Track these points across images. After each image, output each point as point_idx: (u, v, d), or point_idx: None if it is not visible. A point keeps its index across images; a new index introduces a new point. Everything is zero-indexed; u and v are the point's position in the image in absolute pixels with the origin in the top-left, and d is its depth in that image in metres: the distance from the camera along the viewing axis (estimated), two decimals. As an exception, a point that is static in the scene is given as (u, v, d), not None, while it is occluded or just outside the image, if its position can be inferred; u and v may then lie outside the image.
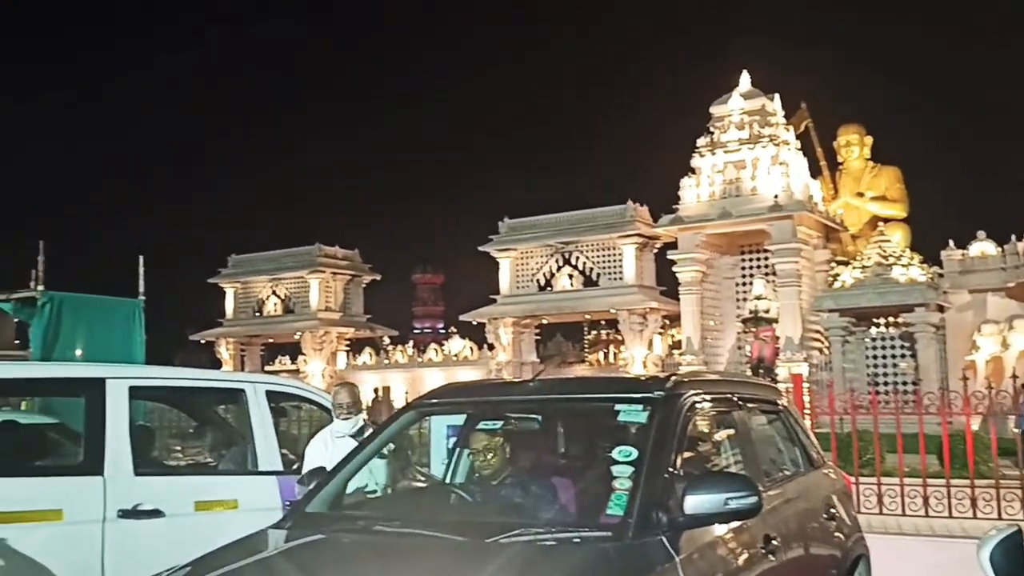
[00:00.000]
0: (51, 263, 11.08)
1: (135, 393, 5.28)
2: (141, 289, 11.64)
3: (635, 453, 3.78)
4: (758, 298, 28.92)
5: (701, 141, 31.65)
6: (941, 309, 26.75)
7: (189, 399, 6.70)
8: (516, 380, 5.81)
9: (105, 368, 5.60)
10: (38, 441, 5.84)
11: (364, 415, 6.02)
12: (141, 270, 11.72)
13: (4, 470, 4.80)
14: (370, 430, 5.56)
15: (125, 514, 4.82)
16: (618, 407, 4.19)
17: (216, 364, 43.27)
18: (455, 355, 41.63)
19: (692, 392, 4.30)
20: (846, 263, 29.71)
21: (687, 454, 4.22)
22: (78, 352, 10.29)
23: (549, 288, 37.61)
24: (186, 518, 5.12)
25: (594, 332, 49.32)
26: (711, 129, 31.78)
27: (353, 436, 5.65)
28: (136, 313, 11.27)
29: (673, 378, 4.39)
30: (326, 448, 5.68)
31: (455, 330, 46.00)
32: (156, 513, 4.96)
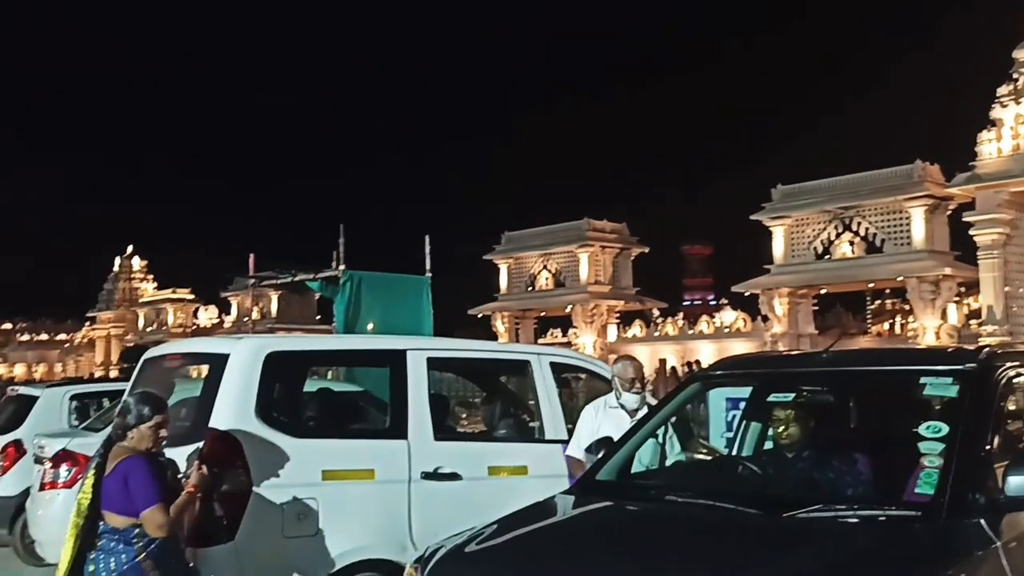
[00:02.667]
0: (350, 245, 11.99)
1: (432, 364, 5.61)
2: (428, 266, 12.35)
3: (945, 429, 3.53)
4: (1074, 261, 25.81)
5: (1002, 89, 28.64)
6: None
7: (479, 370, 7.04)
8: (807, 352, 5.56)
9: (406, 340, 6.00)
10: (350, 407, 6.39)
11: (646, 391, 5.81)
12: (427, 248, 12.44)
13: (326, 432, 5.32)
14: (646, 408, 5.45)
15: (427, 476, 5.16)
16: (923, 380, 3.93)
17: (492, 337, 45.24)
18: (727, 327, 40.80)
19: (1009, 365, 3.94)
20: None
21: (1004, 432, 3.89)
22: (369, 326, 11.04)
23: (827, 256, 35.78)
24: (481, 482, 5.39)
25: (877, 302, 46.46)
26: (1014, 75, 28.65)
27: (633, 411, 5.52)
28: (424, 289, 11.97)
29: (986, 350, 4.05)
30: (595, 416, 5.63)
31: (726, 301, 45.10)
32: (454, 476, 5.26)
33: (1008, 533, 3.24)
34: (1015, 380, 3.98)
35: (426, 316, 11.87)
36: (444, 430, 5.72)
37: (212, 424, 4.60)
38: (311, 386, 6.34)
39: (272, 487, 4.60)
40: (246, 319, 46.60)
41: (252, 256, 13.34)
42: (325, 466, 4.84)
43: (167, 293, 66.00)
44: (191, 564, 4.19)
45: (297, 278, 12.71)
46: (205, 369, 5.29)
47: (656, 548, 3.25)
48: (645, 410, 5.37)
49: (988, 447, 3.52)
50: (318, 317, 53.85)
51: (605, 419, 5.45)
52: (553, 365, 6.22)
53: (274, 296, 55.64)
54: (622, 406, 5.52)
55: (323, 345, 6.40)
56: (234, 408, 4.65)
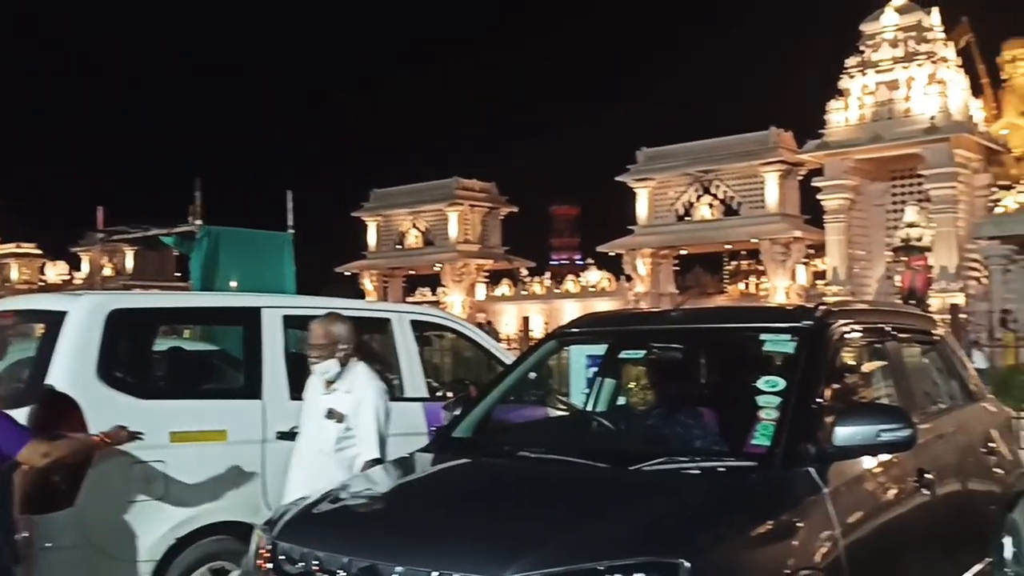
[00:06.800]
0: (206, 198, 11.57)
1: (289, 322, 5.49)
2: (290, 222, 12.05)
3: (782, 383, 3.71)
4: (910, 225, 27.58)
5: (850, 61, 30.11)
6: (1118, 236, 24.80)
7: (338, 328, 6.92)
8: (658, 310, 5.70)
9: (261, 298, 5.84)
10: (202, 366, 6.18)
11: (339, 358, 4.67)
12: (289, 204, 12.12)
13: (175, 393, 5.13)
14: (362, 379, 4.63)
15: (283, 436, 5.05)
16: (764, 337, 4.10)
17: (360, 295, 44.78)
18: (592, 286, 41.67)
19: (842, 322, 4.16)
20: (1009, 187, 27.85)
21: (836, 385, 4.10)
22: (232, 284, 10.74)
23: (688, 218, 36.99)
24: None
25: (734, 263, 48.35)
26: (861, 48, 30.15)
27: (329, 382, 4.68)
28: (286, 245, 11.67)
29: (822, 307, 4.26)
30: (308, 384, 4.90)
31: (592, 261, 45.97)
32: None
33: (835, 481, 3.44)
34: (848, 336, 4.20)
35: (288, 273, 11.59)
36: (301, 389, 5.61)
37: (48, 384, 4.37)
38: (164, 345, 6.11)
39: (116, 450, 4.42)
40: (99, 276, 44.68)
41: (101, 209, 12.72)
42: (173, 427, 4.68)
43: (10, 247, 62.18)
44: (24, 534, 3.98)
45: (150, 233, 12.17)
46: (42, 328, 5.02)
47: (504, 504, 3.30)
48: (342, 379, 4.64)
49: (820, 400, 3.70)
50: (177, 274, 51.97)
51: (307, 387, 4.83)
52: (414, 323, 6.20)
53: (129, 252, 53.38)
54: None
55: (173, 302, 6.15)
56: (72, 368, 4.43)
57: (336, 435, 4.57)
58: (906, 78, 28.91)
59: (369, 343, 7.50)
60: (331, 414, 4.59)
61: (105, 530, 4.39)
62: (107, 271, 54.32)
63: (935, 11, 29.91)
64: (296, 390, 5.33)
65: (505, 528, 3.02)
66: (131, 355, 4.99)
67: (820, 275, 33.66)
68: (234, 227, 11.81)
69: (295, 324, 6.06)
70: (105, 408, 4.43)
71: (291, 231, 11.95)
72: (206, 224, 11.16)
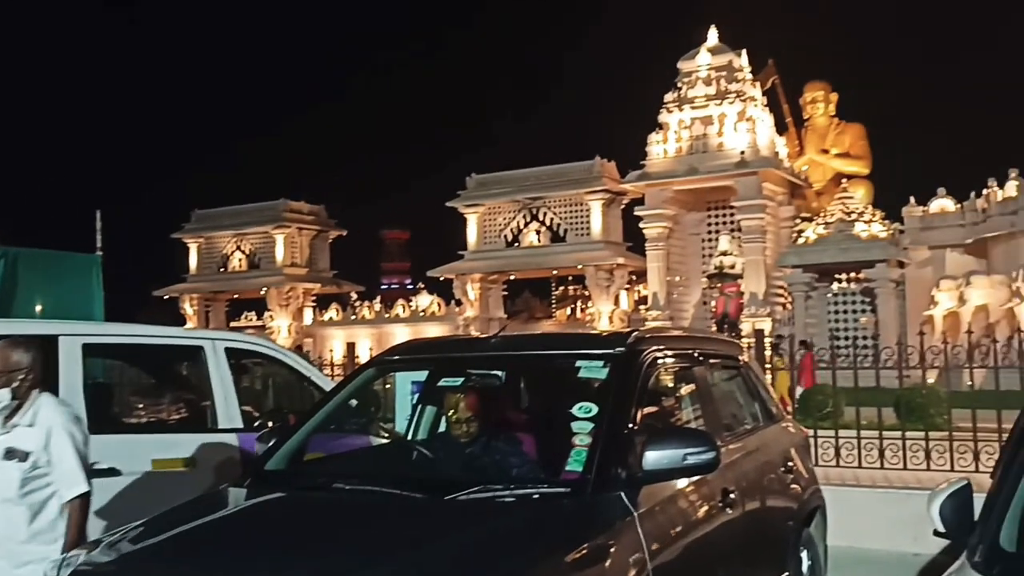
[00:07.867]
0: (3, 219, 10.83)
1: (89, 350, 5.18)
2: (98, 244, 11.42)
3: (595, 409, 3.77)
4: (723, 254, 29.15)
5: (668, 97, 31.60)
6: (902, 265, 27.08)
7: (146, 356, 6.59)
8: (478, 336, 5.72)
9: (58, 325, 5.49)
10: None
11: (14, 388, 4.03)
12: (98, 224, 11.50)
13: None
14: (47, 409, 4.06)
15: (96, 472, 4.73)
16: (579, 363, 4.16)
17: (180, 321, 42.91)
18: (422, 311, 41.57)
19: (653, 348, 4.28)
20: (810, 219, 29.96)
21: (648, 410, 4.23)
22: (37, 308, 10.08)
23: (516, 244, 37.61)
24: (144, 476, 5.07)
25: (561, 288, 49.47)
26: (679, 85, 31.71)
27: (8, 418, 4.02)
28: (94, 269, 11.05)
29: (634, 334, 4.37)
30: None
31: (423, 286, 45.91)
32: (112, 472, 4.88)
33: (644, 504, 3.52)
34: (659, 361, 4.33)
35: (96, 298, 10.96)
36: (103, 422, 5.30)
37: None
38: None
39: None
40: None
41: None
42: None
43: None
44: None
45: (-62, 254, 11.21)
46: None
47: (315, 538, 3.20)
48: (22, 413, 4.02)
49: (632, 425, 3.79)
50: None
51: None
52: (229, 351, 5.98)
53: (-83, 273, 49.00)
54: None
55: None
56: None
57: (20, 477, 3.94)
58: (719, 114, 30.63)
59: (178, 372, 7.19)
60: (11, 454, 3.94)
61: None
62: None
63: (744, 53, 31.90)
64: (97, 422, 5.02)
65: (314, 564, 2.92)
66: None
67: (642, 300, 34.96)
68: (36, 248, 11.09)
69: (99, 353, 5.72)
70: None
71: (100, 253, 11.33)
72: (4, 245, 10.43)
